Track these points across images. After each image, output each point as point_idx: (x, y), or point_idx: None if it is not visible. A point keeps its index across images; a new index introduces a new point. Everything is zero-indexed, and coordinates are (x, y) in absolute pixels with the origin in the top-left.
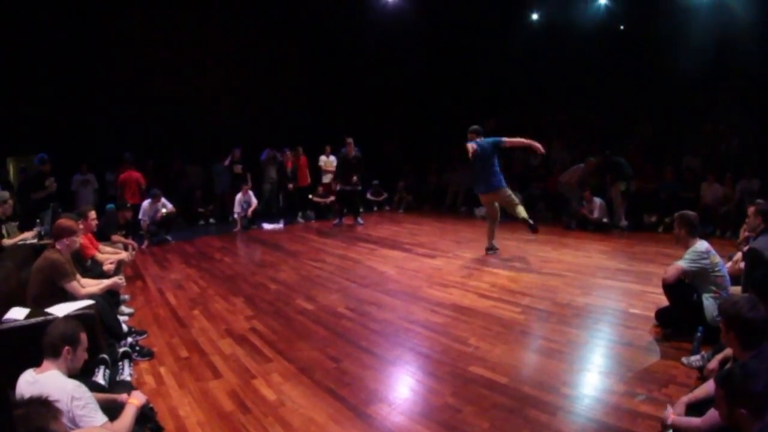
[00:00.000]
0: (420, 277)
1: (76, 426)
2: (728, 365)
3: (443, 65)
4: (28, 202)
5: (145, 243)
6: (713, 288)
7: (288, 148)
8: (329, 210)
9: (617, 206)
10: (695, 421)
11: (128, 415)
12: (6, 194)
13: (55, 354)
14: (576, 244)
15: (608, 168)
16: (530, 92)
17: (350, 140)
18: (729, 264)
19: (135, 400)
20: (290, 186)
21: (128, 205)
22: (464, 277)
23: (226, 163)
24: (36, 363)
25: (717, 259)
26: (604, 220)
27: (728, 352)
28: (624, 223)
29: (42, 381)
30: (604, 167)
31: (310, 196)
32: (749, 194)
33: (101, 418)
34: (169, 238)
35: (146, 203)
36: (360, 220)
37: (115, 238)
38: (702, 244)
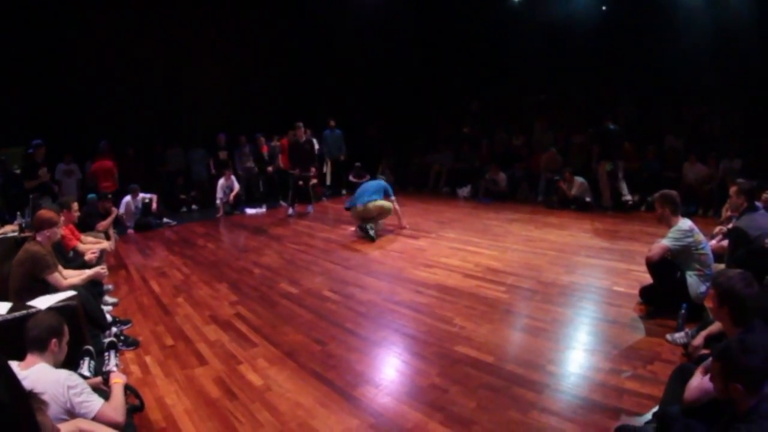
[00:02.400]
0: (404, 258)
1: (75, 414)
2: (726, 339)
3: (425, 46)
4: (19, 191)
5: (129, 231)
6: (697, 266)
7: (261, 133)
8: (313, 193)
9: (603, 187)
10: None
11: (119, 394)
12: None
13: (42, 347)
14: (559, 223)
15: (600, 138)
16: (512, 73)
17: (300, 124)
18: (712, 242)
19: (119, 379)
20: (269, 169)
21: (108, 196)
22: (448, 257)
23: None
24: (19, 357)
25: (700, 237)
26: (587, 199)
27: (713, 328)
28: (627, 197)
29: (32, 376)
30: (596, 136)
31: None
32: (731, 174)
33: (98, 400)
34: (170, 221)
35: (127, 198)
36: (310, 208)
37: (101, 226)
38: (685, 222)
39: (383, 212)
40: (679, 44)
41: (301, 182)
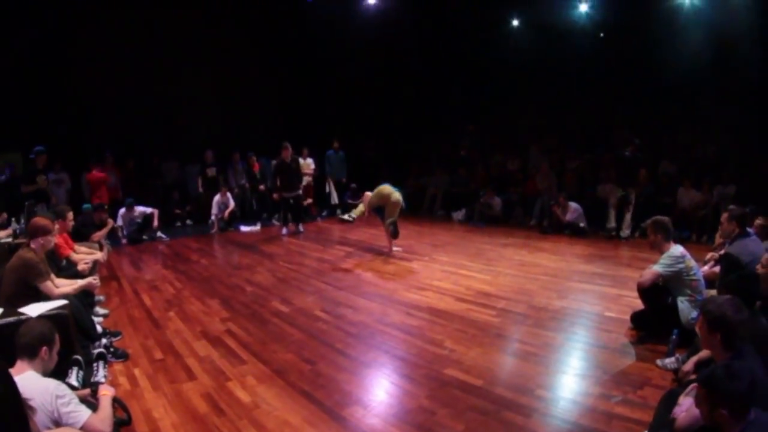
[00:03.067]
0: (396, 280)
1: (62, 424)
2: (711, 366)
3: (423, 67)
4: (16, 195)
5: (123, 242)
6: (688, 291)
7: (252, 152)
8: (307, 212)
9: (613, 211)
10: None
11: (107, 406)
12: None
13: (32, 355)
14: (552, 248)
15: (617, 163)
16: (509, 96)
17: (287, 145)
18: (705, 268)
19: (107, 392)
20: (261, 187)
21: (105, 207)
22: (440, 280)
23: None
24: (8, 363)
25: (692, 263)
26: (581, 224)
27: (703, 354)
28: (626, 232)
29: (21, 383)
30: (613, 160)
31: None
32: (725, 200)
33: (86, 411)
34: (163, 236)
35: (122, 211)
36: (301, 228)
37: (96, 236)
38: (677, 249)
39: (397, 209)
40: (673, 70)
41: (291, 201)
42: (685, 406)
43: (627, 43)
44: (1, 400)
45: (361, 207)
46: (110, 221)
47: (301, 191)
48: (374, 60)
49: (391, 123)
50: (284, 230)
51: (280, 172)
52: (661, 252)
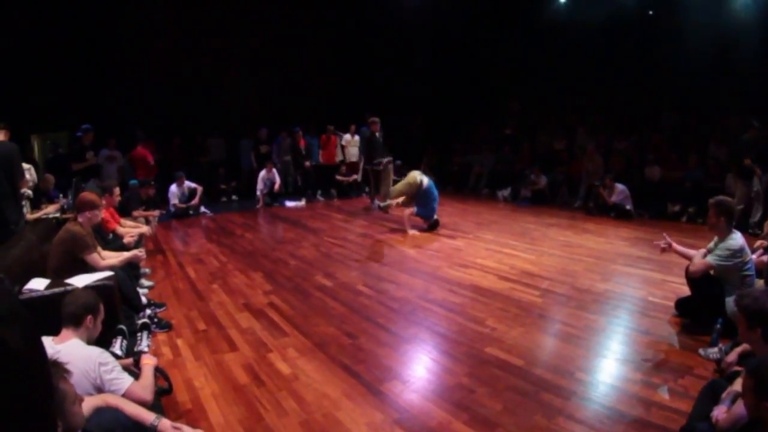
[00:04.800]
0: (440, 257)
1: (104, 391)
2: (761, 356)
3: (470, 45)
4: (68, 173)
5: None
6: (738, 284)
7: (300, 127)
8: (352, 189)
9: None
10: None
11: (149, 374)
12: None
13: (77, 323)
14: (598, 230)
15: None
16: (556, 76)
17: (375, 119)
18: (753, 256)
19: (149, 361)
20: (307, 164)
21: (152, 182)
22: (484, 259)
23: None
24: (54, 333)
25: (748, 256)
26: (627, 207)
27: (747, 345)
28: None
29: (65, 350)
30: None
31: (337, 177)
32: None
33: (128, 378)
34: (207, 211)
35: (173, 186)
36: (376, 201)
37: (137, 213)
38: (737, 240)
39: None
40: (725, 48)
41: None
42: (726, 407)
43: (676, 21)
44: (26, 362)
45: (393, 200)
46: (156, 212)
47: (382, 166)
48: (421, 37)
49: (437, 101)
50: (371, 202)
51: (366, 145)
52: (720, 236)
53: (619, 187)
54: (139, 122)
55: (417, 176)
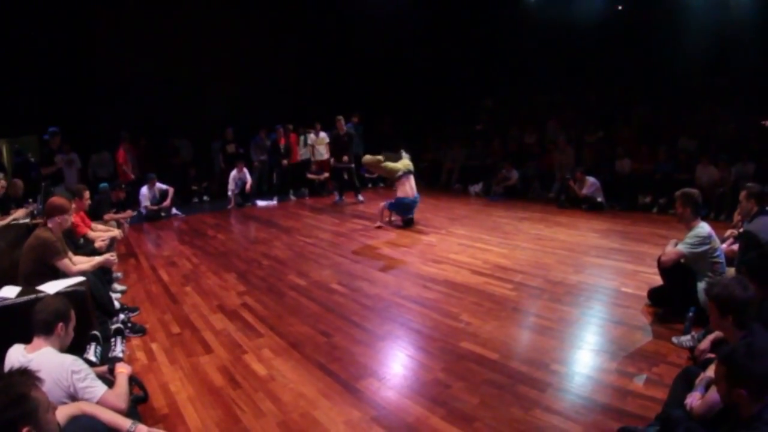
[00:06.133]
0: (413, 253)
1: (78, 399)
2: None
3: (440, 41)
4: (34, 178)
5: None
6: (709, 273)
7: (281, 125)
8: (323, 187)
9: None
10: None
11: (123, 383)
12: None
13: (48, 331)
14: (570, 222)
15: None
16: (526, 71)
17: (340, 118)
18: (723, 246)
19: (124, 369)
20: (284, 162)
21: (123, 186)
22: (457, 254)
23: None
24: (27, 341)
25: (717, 243)
26: (599, 199)
27: (719, 333)
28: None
29: (37, 359)
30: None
31: (308, 175)
32: (744, 178)
33: (102, 386)
34: (178, 213)
35: (144, 189)
36: (360, 197)
37: (107, 216)
38: (704, 228)
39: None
40: (693, 45)
41: (346, 176)
42: (700, 394)
43: (646, 15)
44: None
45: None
46: (129, 212)
47: (353, 164)
48: (391, 34)
49: (407, 97)
50: (336, 198)
51: (333, 143)
52: (688, 227)
53: (590, 179)
54: (105, 124)
55: (401, 166)
